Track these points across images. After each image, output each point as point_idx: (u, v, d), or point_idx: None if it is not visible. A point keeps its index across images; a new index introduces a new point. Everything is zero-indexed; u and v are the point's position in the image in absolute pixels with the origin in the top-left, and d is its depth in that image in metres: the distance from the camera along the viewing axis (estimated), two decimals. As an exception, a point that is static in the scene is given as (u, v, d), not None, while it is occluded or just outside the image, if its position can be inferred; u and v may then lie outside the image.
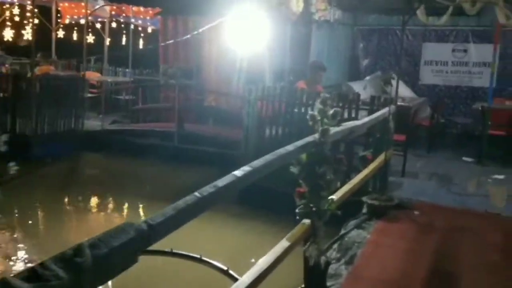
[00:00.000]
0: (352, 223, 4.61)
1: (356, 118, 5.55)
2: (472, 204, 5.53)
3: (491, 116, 7.36)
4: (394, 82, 5.05)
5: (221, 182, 1.87)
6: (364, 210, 4.93)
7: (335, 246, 4.25)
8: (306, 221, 2.89)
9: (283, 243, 2.58)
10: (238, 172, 1.99)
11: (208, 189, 1.77)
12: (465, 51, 9.38)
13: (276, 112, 6.45)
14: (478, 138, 8.55)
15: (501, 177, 6.89)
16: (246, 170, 2.04)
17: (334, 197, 3.02)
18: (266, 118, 6.58)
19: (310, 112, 3.00)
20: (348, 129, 3.47)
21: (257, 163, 2.17)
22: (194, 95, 9.32)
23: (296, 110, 6.23)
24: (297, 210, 2.90)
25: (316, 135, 2.88)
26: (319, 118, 2.92)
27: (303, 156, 2.90)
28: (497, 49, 7.15)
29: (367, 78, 9.73)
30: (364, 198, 4.84)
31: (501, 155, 7.85)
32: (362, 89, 5.55)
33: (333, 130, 3.06)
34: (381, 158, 5.07)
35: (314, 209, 2.91)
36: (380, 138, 5.13)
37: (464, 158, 7.96)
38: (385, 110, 5.02)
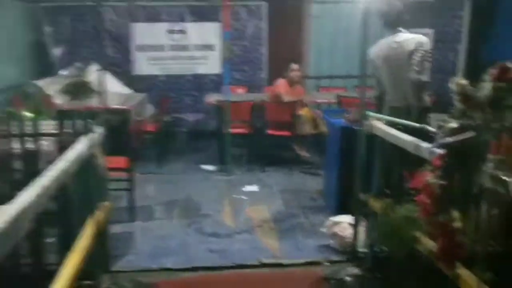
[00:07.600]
0: None
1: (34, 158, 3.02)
2: (237, 252, 3.80)
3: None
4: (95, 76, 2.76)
5: None
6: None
7: None
8: None
9: None
10: None
11: None
12: (183, 32, 7.68)
13: None
14: (213, 136, 7.05)
15: (255, 188, 5.46)
16: None
17: None
18: None
19: None
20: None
21: None
22: None
23: None
24: None
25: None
26: None
27: None
28: (228, 28, 5.56)
29: (64, 72, 7.13)
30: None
31: (242, 156, 6.51)
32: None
33: None
34: (87, 235, 2.74)
35: None
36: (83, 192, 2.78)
37: (203, 167, 6.32)
38: (85, 142, 2.66)
